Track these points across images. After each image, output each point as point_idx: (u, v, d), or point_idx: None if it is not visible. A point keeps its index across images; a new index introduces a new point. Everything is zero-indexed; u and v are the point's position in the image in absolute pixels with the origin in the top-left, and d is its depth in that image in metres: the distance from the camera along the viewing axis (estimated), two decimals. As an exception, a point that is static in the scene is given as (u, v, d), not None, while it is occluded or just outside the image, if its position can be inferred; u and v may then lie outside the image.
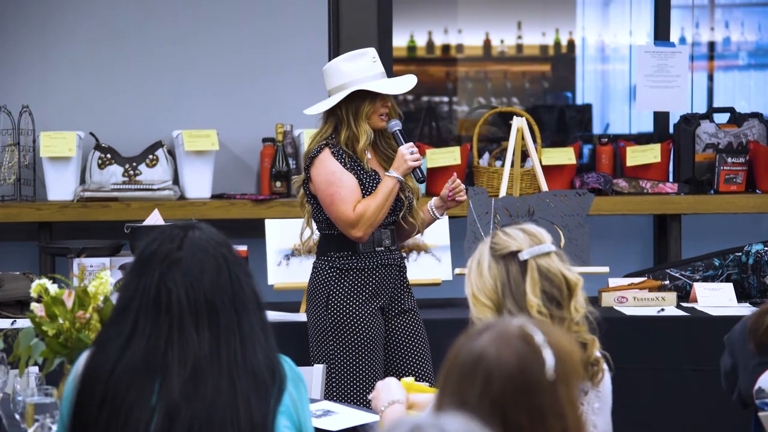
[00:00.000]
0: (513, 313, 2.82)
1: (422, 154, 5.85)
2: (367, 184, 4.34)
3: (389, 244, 4.41)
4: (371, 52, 4.39)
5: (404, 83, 4.39)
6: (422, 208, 4.48)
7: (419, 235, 4.69)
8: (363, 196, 4.32)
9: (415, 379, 3.36)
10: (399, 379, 3.19)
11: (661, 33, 6.32)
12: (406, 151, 4.31)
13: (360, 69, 4.32)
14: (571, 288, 2.91)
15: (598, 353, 2.97)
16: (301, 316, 4.91)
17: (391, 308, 4.42)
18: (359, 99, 4.31)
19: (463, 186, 4.44)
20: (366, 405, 4.27)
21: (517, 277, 2.88)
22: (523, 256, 2.89)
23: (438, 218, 4.51)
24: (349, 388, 4.34)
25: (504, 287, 2.88)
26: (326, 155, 4.32)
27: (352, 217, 4.28)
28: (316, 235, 4.48)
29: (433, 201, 4.50)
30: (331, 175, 4.31)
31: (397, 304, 4.44)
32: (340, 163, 4.31)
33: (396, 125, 4.36)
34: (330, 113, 4.36)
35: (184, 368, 2.47)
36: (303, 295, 4.98)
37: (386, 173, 4.34)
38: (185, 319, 2.50)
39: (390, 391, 3.11)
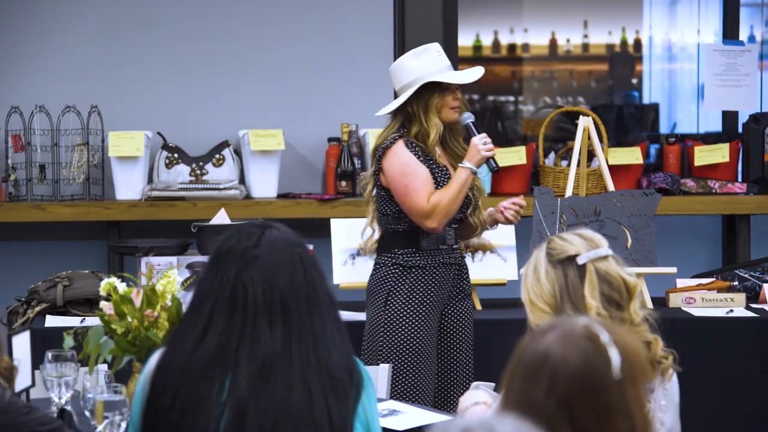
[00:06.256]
0: (571, 317, 2.83)
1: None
2: (439, 178, 4.36)
3: (452, 242, 4.41)
4: (435, 47, 4.41)
5: (471, 74, 4.40)
6: (485, 210, 4.49)
7: (483, 234, 4.69)
8: (436, 189, 4.34)
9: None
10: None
11: (730, 31, 6.26)
12: (479, 142, 4.34)
13: (426, 63, 4.34)
14: (630, 290, 2.94)
15: (662, 351, 2.97)
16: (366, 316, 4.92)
17: (447, 309, 4.42)
18: (429, 92, 4.33)
19: (520, 209, 4.43)
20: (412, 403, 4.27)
21: (575, 281, 2.91)
22: (581, 260, 2.91)
23: (487, 228, 4.52)
24: (396, 386, 4.33)
25: (562, 291, 2.90)
26: (400, 146, 4.34)
27: (426, 208, 4.29)
28: (376, 235, 4.49)
29: (490, 210, 4.51)
30: (405, 166, 4.32)
31: (454, 306, 4.43)
32: (414, 155, 4.33)
33: (468, 117, 4.40)
34: (398, 111, 4.38)
35: (253, 365, 2.49)
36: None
37: (460, 165, 4.35)
38: (259, 316, 2.52)
39: (475, 394, 3.14)
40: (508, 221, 4.46)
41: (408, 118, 4.36)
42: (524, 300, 2.96)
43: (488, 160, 4.35)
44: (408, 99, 4.33)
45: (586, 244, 2.94)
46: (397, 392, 4.31)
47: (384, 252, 4.41)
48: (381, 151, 4.35)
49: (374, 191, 4.43)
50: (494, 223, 4.52)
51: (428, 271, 4.35)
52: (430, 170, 4.35)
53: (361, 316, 4.89)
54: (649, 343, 2.94)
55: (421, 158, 4.34)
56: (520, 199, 4.47)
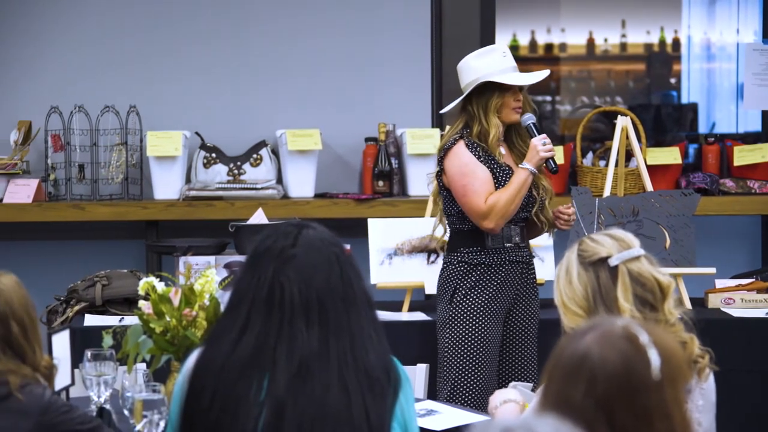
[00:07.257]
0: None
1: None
2: (500, 177, 4.39)
3: (519, 240, 4.44)
4: (501, 47, 4.43)
5: (532, 75, 4.40)
6: (553, 209, 4.51)
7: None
8: (496, 189, 4.35)
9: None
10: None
11: (770, 30, 6.22)
12: (539, 143, 4.35)
13: (490, 63, 4.36)
14: (664, 290, 2.91)
15: (698, 350, 2.95)
16: (404, 315, 4.92)
17: (514, 307, 4.44)
18: (488, 92, 4.36)
19: (571, 218, 4.46)
20: (471, 402, 4.27)
21: (608, 283, 2.88)
22: (612, 261, 2.89)
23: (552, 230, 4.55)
24: (457, 382, 4.33)
25: (595, 294, 2.88)
26: (460, 147, 4.37)
27: (483, 209, 4.32)
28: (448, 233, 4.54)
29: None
30: (464, 167, 4.35)
31: (521, 304, 4.45)
32: (474, 155, 4.36)
33: (529, 118, 4.41)
34: (462, 110, 4.41)
35: (291, 364, 2.49)
36: (406, 294, 5.00)
37: (519, 165, 4.37)
38: (296, 315, 2.52)
39: (506, 392, 3.13)
40: (561, 228, 4.50)
41: (470, 118, 4.39)
42: (557, 303, 2.94)
43: (547, 161, 4.37)
44: (469, 99, 4.37)
45: (618, 245, 2.91)
46: (458, 388, 4.32)
47: (451, 251, 4.46)
48: (443, 152, 4.41)
49: (439, 190, 4.48)
50: (552, 226, 4.55)
51: (494, 269, 4.38)
52: (492, 170, 4.38)
53: (398, 316, 4.89)
54: (684, 343, 2.91)
55: (482, 158, 4.37)
56: (566, 208, 4.48)
